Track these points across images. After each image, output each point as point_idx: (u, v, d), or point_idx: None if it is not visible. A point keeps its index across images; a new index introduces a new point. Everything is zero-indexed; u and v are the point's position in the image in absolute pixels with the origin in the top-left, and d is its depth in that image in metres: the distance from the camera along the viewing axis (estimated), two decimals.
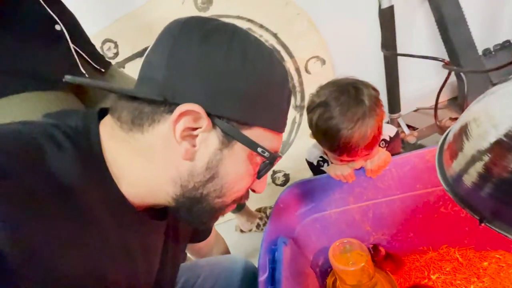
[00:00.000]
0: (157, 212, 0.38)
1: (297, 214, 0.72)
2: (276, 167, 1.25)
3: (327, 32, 1.19)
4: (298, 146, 1.21)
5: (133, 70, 1.11)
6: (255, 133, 0.32)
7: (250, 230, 1.14)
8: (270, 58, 0.33)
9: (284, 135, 1.20)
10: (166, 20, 0.33)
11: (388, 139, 0.70)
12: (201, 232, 0.57)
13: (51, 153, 0.27)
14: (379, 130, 0.58)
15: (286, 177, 1.25)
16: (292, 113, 1.21)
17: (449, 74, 0.67)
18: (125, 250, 0.32)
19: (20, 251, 0.22)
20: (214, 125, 0.30)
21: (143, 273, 0.36)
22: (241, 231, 1.15)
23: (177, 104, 0.29)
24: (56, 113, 0.33)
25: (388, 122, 1.24)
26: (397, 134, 0.71)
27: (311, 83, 1.19)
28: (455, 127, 0.37)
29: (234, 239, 1.14)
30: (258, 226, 1.13)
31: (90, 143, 0.30)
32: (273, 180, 1.27)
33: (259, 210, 1.19)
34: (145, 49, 0.33)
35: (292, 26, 1.16)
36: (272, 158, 0.34)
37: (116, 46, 1.12)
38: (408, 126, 1.21)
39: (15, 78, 0.51)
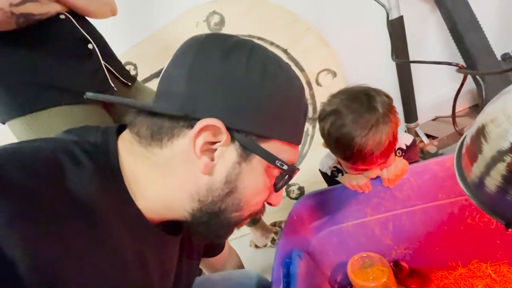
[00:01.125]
0: (172, 227, 0.38)
1: (312, 227, 0.69)
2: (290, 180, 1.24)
3: (337, 45, 1.20)
4: (312, 158, 1.19)
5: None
6: (273, 146, 0.32)
7: (265, 246, 1.11)
8: (288, 72, 0.34)
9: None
10: (181, 42, 0.35)
11: (404, 147, 0.67)
12: (215, 246, 0.57)
13: (70, 170, 0.28)
14: (395, 136, 0.56)
15: (301, 190, 1.23)
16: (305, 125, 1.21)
17: (464, 78, 0.65)
18: (141, 265, 0.32)
19: (36, 269, 0.23)
20: (232, 139, 0.31)
21: (159, 285, 0.36)
22: (256, 246, 1.13)
23: (197, 119, 0.29)
24: (76, 129, 0.34)
25: (405, 132, 1.20)
26: (413, 142, 0.69)
27: (322, 95, 1.19)
28: (471, 130, 0.35)
29: (249, 254, 1.11)
30: (273, 241, 1.10)
31: (109, 159, 0.31)
32: (288, 193, 1.25)
33: (274, 224, 1.16)
34: (162, 69, 0.34)
35: (302, 42, 1.18)
36: (291, 170, 0.34)
37: (135, 68, 1.20)
38: (427, 136, 1.16)
39: (52, 92, 0.57)
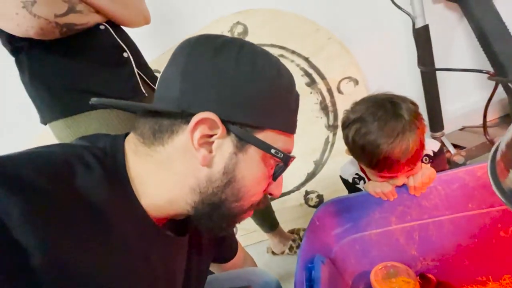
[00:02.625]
0: (177, 228, 0.39)
1: (334, 234, 0.69)
2: (309, 187, 1.23)
3: (359, 53, 1.20)
4: (332, 166, 1.18)
5: None
6: (267, 136, 0.34)
7: (283, 253, 1.10)
8: (277, 65, 0.35)
9: (317, 154, 1.20)
10: None
11: (431, 154, 0.66)
12: (226, 250, 0.56)
13: (80, 172, 0.29)
14: (422, 144, 0.55)
15: (320, 198, 1.22)
16: (325, 133, 1.21)
17: (495, 86, 0.63)
18: (146, 265, 0.33)
19: (49, 264, 0.24)
20: (228, 130, 0.32)
21: (165, 286, 0.36)
22: (273, 253, 1.12)
23: (193, 114, 0.31)
24: (89, 136, 0.36)
25: (442, 144, 1.17)
26: (441, 149, 0.67)
27: (344, 103, 1.19)
28: (506, 136, 0.35)
29: (266, 261, 1.11)
30: (291, 248, 1.09)
31: (116, 163, 0.33)
32: (306, 201, 1.24)
33: (292, 231, 1.16)
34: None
35: (324, 50, 1.20)
36: (286, 158, 0.35)
37: None
38: (454, 146, 1.12)
39: (89, 96, 0.60)
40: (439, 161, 0.67)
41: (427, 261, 0.67)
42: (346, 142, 0.62)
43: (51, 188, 0.26)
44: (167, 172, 0.33)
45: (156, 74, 1.21)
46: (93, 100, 0.33)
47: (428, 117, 1.12)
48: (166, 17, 1.19)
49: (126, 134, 0.36)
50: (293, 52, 1.23)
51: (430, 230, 0.64)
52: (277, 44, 1.23)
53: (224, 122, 0.31)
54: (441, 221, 0.63)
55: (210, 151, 0.32)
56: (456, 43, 1.16)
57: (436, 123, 1.10)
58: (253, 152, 0.33)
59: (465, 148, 1.07)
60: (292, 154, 0.37)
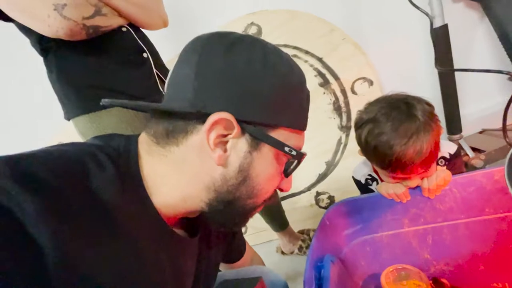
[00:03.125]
0: (188, 228, 0.39)
1: (345, 234, 0.68)
2: (320, 188, 1.22)
3: (374, 54, 1.19)
4: (344, 167, 1.17)
5: None
6: (280, 134, 0.34)
7: (292, 253, 1.10)
8: (288, 62, 0.35)
9: (329, 155, 1.20)
10: None
11: (448, 156, 0.64)
12: (234, 250, 0.56)
13: (93, 172, 0.29)
14: (436, 145, 0.54)
15: (331, 199, 1.21)
16: (337, 134, 1.20)
17: None
18: (156, 265, 0.33)
19: (63, 266, 0.24)
20: (242, 130, 0.32)
21: (175, 287, 0.36)
22: (282, 252, 1.12)
23: (208, 114, 0.31)
24: (103, 136, 0.36)
25: (459, 146, 1.14)
26: (458, 152, 0.66)
27: (357, 103, 1.18)
28: None
29: (275, 260, 1.11)
30: (300, 248, 1.09)
31: (129, 163, 0.33)
32: (317, 202, 1.23)
33: (301, 232, 1.16)
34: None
35: (338, 51, 1.19)
36: (299, 156, 0.35)
37: None
38: (473, 149, 1.09)
39: (111, 94, 0.64)
40: (456, 164, 0.65)
41: (441, 265, 0.66)
42: (359, 143, 0.62)
43: (64, 188, 0.27)
44: (181, 172, 0.33)
45: None
46: (104, 101, 0.33)
47: (446, 119, 1.09)
48: (181, 18, 1.22)
49: (139, 134, 0.36)
50: (306, 52, 1.23)
51: (444, 234, 0.63)
52: (291, 44, 1.24)
53: (239, 121, 0.31)
54: (456, 225, 0.62)
55: (225, 151, 0.32)
56: (476, 43, 1.12)
57: (454, 126, 1.07)
58: (267, 150, 0.34)
59: (484, 151, 1.04)
60: (303, 151, 0.37)
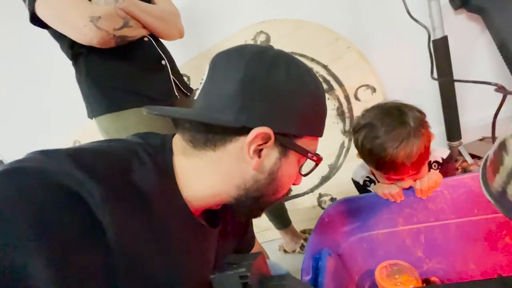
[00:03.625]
0: (210, 219, 0.44)
1: (343, 231, 0.73)
2: (323, 190, 1.27)
3: (377, 62, 1.23)
4: (346, 171, 1.22)
5: None
6: (304, 142, 0.39)
7: (294, 251, 1.14)
8: (314, 77, 0.40)
9: (332, 158, 1.25)
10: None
11: (440, 161, 0.69)
12: (246, 242, 0.60)
13: (136, 168, 0.34)
14: (426, 149, 0.59)
15: (333, 201, 1.25)
16: (341, 138, 1.24)
17: (503, 98, 0.65)
18: (185, 252, 0.37)
19: (120, 241, 0.29)
20: (276, 140, 0.36)
21: (199, 271, 0.41)
22: (285, 251, 1.16)
23: (251, 128, 0.35)
24: (142, 133, 0.41)
25: (452, 151, 1.17)
26: (450, 157, 0.70)
27: (361, 109, 1.22)
28: (494, 145, 0.39)
29: (277, 258, 1.15)
30: (302, 247, 1.13)
31: (165, 160, 0.37)
32: (320, 203, 1.28)
33: (304, 231, 1.20)
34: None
35: (342, 59, 1.24)
36: (318, 160, 0.41)
37: (189, 79, 1.37)
38: (473, 156, 1.12)
39: (134, 97, 0.72)
40: (448, 168, 0.69)
41: (433, 263, 0.69)
42: (356, 146, 0.67)
43: (115, 180, 0.31)
44: (215, 172, 0.37)
45: (184, 77, 1.34)
46: (146, 111, 0.36)
47: (446, 126, 1.12)
48: (195, 26, 1.30)
49: (173, 135, 0.41)
50: (312, 59, 1.29)
51: (436, 233, 0.67)
52: (297, 52, 1.30)
53: (274, 133, 0.36)
54: (447, 225, 0.66)
55: (259, 157, 0.37)
56: (475, 55, 1.16)
57: (454, 132, 1.11)
58: (292, 156, 0.39)
59: (482, 158, 1.07)
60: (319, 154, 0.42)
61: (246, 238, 0.60)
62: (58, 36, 0.71)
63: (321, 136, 0.42)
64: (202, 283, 0.41)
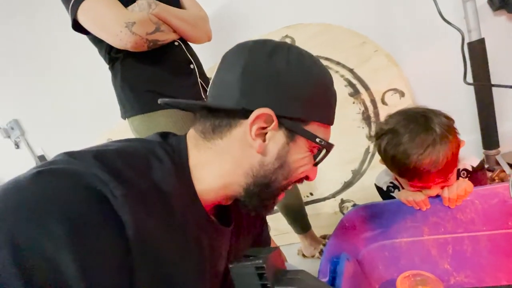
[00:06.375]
0: (222, 219, 0.44)
1: (363, 237, 0.72)
2: (345, 196, 1.24)
3: (407, 66, 1.19)
4: (370, 177, 1.18)
5: None
6: (311, 127, 0.39)
7: (313, 256, 1.13)
8: (320, 64, 0.41)
9: (356, 164, 1.22)
10: None
11: (470, 169, 0.65)
12: (261, 244, 0.60)
13: (155, 167, 0.35)
14: (454, 157, 0.56)
15: None
16: (365, 143, 1.21)
17: None
18: (198, 248, 0.38)
19: (138, 239, 0.30)
20: (280, 124, 0.37)
21: (211, 270, 0.41)
22: (303, 255, 1.15)
23: (252, 111, 0.36)
24: (161, 132, 0.43)
25: (483, 159, 1.09)
26: (481, 165, 0.66)
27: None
28: None
29: (295, 263, 1.13)
30: (321, 252, 1.11)
31: (181, 158, 0.39)
32: (341, 209, 1.25)
33: (324, 237, 1.18)
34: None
35: (369, 62, 1.22)
36: (328, 146, 0.41)
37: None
38: (511, 166, 1.04)
39: (164, 98, 0.77)
40: (478, 176, 0.65)
41: (461, 277, 0.66)
42: (379, 152, 0.65)
43: (136, 179, 0.32)
44: (224, 160, 0.39)
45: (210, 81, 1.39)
46: (161, 100, 0.41)
47: (482, 134, 1.05)
48: (222, 31, 1.35)
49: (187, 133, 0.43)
50: (337, 63, 1.27)
51: (465, 245, 0.63)
52: (322, 55, 1.29)
53: (278, 116, 0.37)
54: (477, 237, 0.62)
55: (264, 140, 0.38)
56: None
57: (490, 140, 1.03)
58: (301, 141, 0.39)
59: None
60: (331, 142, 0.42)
61: (262, 239, 0.60)
62: (97, 42, 0.78)
63: (330, 124, 0.42)
64: (215, 282, 0.42)
